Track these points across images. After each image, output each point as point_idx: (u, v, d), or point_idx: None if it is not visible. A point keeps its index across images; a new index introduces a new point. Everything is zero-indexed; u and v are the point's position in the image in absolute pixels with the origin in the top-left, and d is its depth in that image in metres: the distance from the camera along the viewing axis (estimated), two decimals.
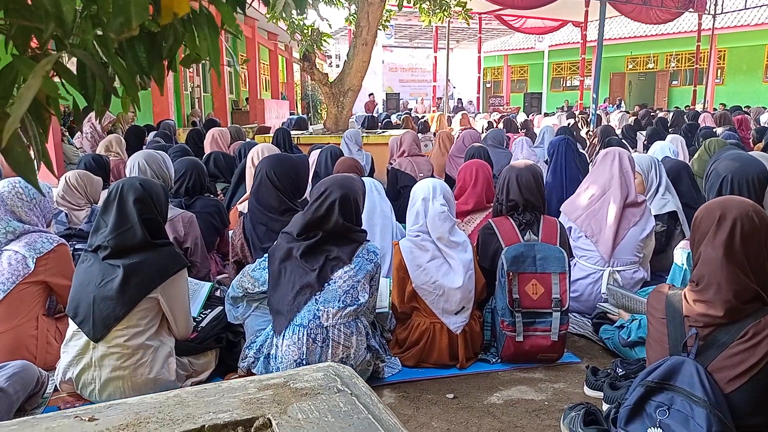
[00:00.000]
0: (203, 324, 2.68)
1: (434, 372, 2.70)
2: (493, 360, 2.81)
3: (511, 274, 2.74)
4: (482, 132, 9.73)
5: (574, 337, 3.10)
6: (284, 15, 7.95)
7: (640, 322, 2.70)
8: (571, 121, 10.95)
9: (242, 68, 15.87)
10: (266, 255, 2.55)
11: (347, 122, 8.27)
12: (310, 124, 12.44)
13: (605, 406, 2.27)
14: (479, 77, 19.08)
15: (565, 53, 25.15)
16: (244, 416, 1.06)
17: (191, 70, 15.70)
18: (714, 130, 7.59)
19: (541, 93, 21.26)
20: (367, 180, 3.41)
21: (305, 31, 7.72)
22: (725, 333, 1.59)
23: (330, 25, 8.09)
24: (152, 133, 7.17)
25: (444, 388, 2.58)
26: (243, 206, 3.41)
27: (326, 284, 2.42)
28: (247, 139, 6.66)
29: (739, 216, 1.62)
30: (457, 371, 2.72)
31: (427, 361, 2.75)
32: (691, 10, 16.68)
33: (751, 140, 7.62)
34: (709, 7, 17.70)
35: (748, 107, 13.27)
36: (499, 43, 27.61)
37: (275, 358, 2.40)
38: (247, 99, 16.98)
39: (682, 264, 2.50)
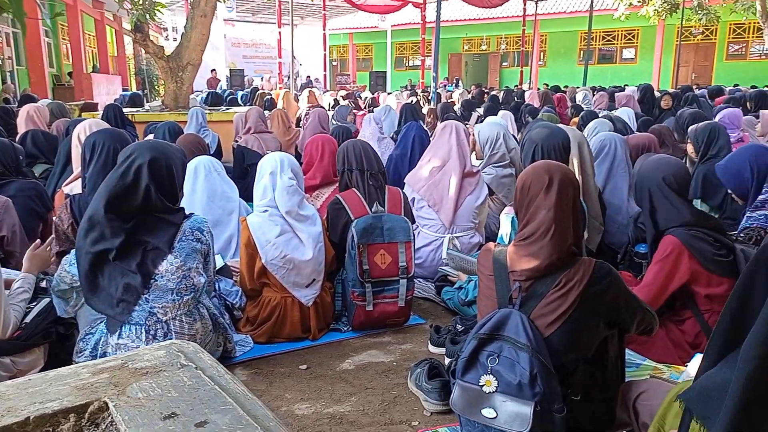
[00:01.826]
0: (27, 319, 2.41)
1: (287, 346, 2.72)
2: (345, 329, 2.90)
3: (361, 246, 2.83)
4: (329, 109, 9.78)
5: (419, 301, 3.29)
6: None
7: (476, 282, 2.94)
8: (414, 99, 11.42)
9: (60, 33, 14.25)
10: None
11: (188, 99, 7.87)
12: (147, 101, 11.63)
13: (447, 360, 2.46)
14: (325, 55, 19.08)
15: (407, 33, 26.00)
16: (77, 403, 0.99)
17: (1, 39, 13.82)
18: (537, 107, 8.36)
19: (386, 72, 21.82)
20: (205, 160, 3.26)
21: (135, 0, 7.14)
22: (542, 284, 1.79)
23: None
24: None
25: (297, 360, 2.61)
26: (70, 188, 3.11)
27: (153, 280, 2.17)
28: (74, 117, 6.05)
29: (563, 178, 1.83)
30: (310, 343, 2.76)
31: (280, 335, 2.75)
32: None
33: (568, 116, 8.52)
34: None
35: (566, 87, 14.76)
36: (344, 21, 27.77)
37: None
38: (70, 73, 15.35)
39: (508, 227, 2.75)
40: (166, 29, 23.30)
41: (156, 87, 19.74)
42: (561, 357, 1.77)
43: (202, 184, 3.17)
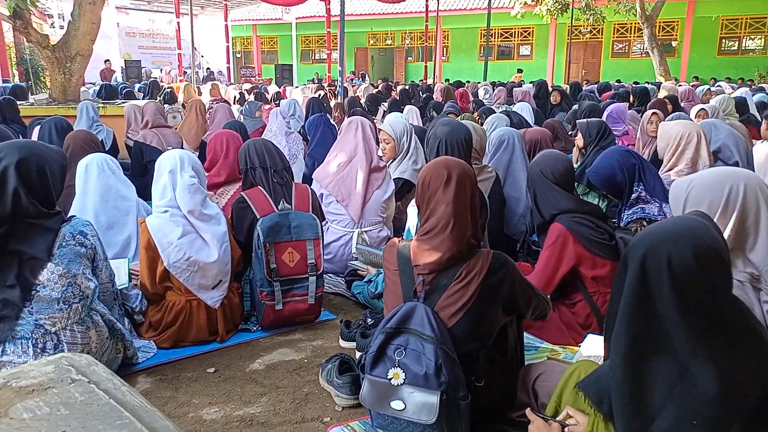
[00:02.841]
0: None
1: (193, 349, 2.63)
2: (254, 329, 2.85)
3: (267, 245, 2.78)
4: (234, 102, 9.53)
5: (329, 296, 3.29)
6: None
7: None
8: (321, 93, 11.36)
9: None
10: None
11: (78, 91, 7.39)
12: (32, 94, 10.77)
13: (358, 354, 2.48)
14: (228, 46, 18.49)
15: (312, 26, 25.73)
16: None
17: None
18: (441, 102, 8.58)
19: (292, 65, 21.51)
20: (98, 158, 3.06)
21: None
22: (445, 276, 1.86)
23: None
24: None
25: (204, 363, 2.54)
26: None
27: (34, 291, 2.04)
28: None
29: (461, 174, 1.90)
30: (218, 345, 2.69)
31: (185, 339, 2.66)
32: None
33: (470, 110, 8.81)
34: None
35: (468, 82, 15.24)
36: (247, 12, 27.03)
37: None
38: None
39: (415, 219, 2.82)
40: (51, 16, 21.60)
41: (42, 78, 18.29)
42: (464, 346, 1.84)
43: (94, 184, 2.98)
